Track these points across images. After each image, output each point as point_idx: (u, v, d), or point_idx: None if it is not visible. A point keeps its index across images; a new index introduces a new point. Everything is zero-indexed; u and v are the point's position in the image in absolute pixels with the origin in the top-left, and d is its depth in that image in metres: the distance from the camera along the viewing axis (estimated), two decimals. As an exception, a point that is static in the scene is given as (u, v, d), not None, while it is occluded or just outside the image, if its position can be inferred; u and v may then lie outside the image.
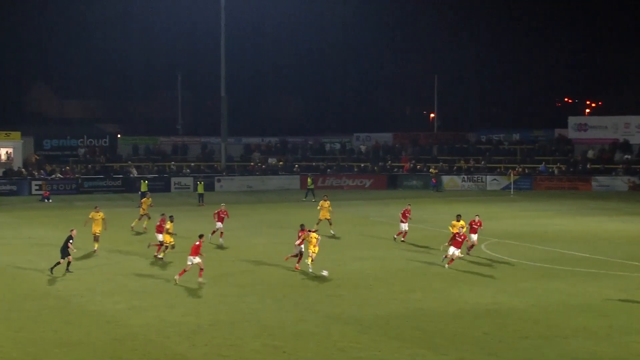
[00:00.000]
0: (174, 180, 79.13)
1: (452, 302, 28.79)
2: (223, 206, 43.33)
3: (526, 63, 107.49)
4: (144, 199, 49.19)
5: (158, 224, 37.62)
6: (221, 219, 42.04)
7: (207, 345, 23.23)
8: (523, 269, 35.44)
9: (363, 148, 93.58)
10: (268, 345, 23.32)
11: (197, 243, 31.70)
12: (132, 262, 36.71)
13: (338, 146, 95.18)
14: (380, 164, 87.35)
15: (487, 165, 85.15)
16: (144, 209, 47.50)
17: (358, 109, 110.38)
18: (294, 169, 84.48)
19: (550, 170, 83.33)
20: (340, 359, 22.13)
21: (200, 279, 31.54)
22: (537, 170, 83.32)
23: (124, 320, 26.05)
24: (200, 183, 67.75)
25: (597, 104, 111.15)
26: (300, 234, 34.45)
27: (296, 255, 34.50)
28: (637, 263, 37.11)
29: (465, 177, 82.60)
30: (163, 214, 38.62)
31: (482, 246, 41.15)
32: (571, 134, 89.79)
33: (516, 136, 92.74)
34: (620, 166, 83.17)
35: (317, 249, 33.67)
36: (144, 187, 63.68)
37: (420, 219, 51.99)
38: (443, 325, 25.71)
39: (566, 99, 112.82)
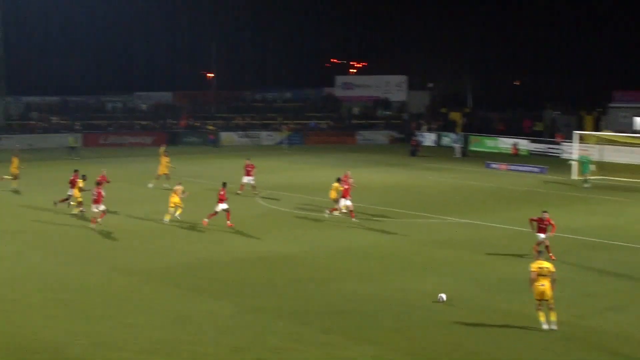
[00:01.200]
0: (-50, 139, 74.31)
1: (230, 252, 29.04)
2: (104, 171, 40.00)
3: (298, 27, 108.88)
4: (13, 158, 44.36)
5: (71, 178, 36.51)
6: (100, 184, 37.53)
7: (-13, 302, 22.21)
8: (295, 218, 36.25)
9: (144, 107, 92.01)
10: (50, 299, 22.60)
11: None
12: None
13: (120, 105, 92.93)
14: (161, 122, 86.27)
15: (262, 121, 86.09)
16: (14, 170, 43.47)
17: (138, 68, 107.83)
18: (75, 128, 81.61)
19: (319, 125, 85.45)
20: (121, 307, 21.80)
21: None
22: (307, 126, 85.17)
23: None
24: (-21, 142, 64.23)
25: (362, 65, 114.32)
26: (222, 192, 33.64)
27: (215, 214, 33.46)
28: (396, 209, 38.92)
29: (242, 133, 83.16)
30: (76, 170, 37.23)
31: (257, 198, 41.76)
32: (338, 92, 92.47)
33: (288, 95, 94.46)
34: (382, 121, 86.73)
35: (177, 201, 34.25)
36: None
37: (198, 174, 52.03)
38: (221, 273, 25.93)
39: (333, 60, 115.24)
